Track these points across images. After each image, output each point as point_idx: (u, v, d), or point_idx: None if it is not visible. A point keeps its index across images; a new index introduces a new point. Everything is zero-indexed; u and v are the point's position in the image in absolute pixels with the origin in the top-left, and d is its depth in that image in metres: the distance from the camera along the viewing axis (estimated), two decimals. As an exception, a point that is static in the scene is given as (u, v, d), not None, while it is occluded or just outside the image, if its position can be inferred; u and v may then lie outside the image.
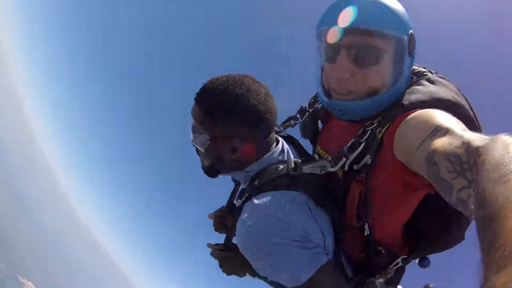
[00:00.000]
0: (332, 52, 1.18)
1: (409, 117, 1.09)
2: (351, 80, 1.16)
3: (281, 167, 1.21)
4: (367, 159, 1.15)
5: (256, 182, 1.20)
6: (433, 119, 0.98)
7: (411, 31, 1.19)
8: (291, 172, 1.19)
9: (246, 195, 1.20)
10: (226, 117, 1.19)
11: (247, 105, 1.16)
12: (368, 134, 1.17)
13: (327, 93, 1.27)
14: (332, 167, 1.19)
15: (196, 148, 1.32)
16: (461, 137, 0.81)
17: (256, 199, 1.16)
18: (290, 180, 1.18)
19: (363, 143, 1.16)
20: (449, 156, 0.80)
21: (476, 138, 0.76)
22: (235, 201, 1.30)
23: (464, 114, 1.16)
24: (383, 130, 1.14)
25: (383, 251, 1.30)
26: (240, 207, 1.22)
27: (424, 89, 1.22)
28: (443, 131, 0.90)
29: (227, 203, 1.59)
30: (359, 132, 1.19)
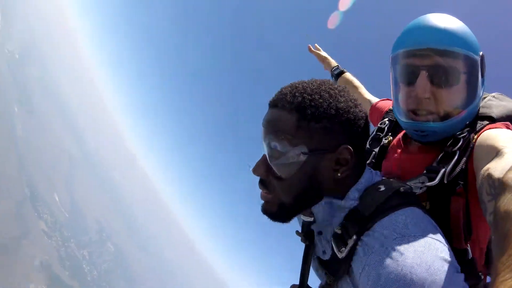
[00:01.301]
0: (411, 74, 1.16)
1: (487, 132, 1.10)
2: (431, 101, 1.14)
3: (382, 187, 0.96)
4: (462, 164, 1.09)
5: (362, 212, 0.91)
6: (500, 141, 0.98)
7: (481, 52, 1.20)
8: (401, 189, 0.95)
9: (355, 232, 0.88)
10: (330, 121, 0.94)
11: (349, 106, 0.96)
12: (460, 143, 1.12)
13: (405, 115, 1.23)
14: (431, 181, 1.08)
15: (271, 175, 0.99)
16: (505, 161, 0.83)
17: (379, 231, 0.85)
18: (402, 199, 0.93)
19: (457, 152, 1.11)
20: (489, 179, 0.82)
21: None
22: (327, 254, 1.01)
23: None
24: (476, 137, 1.12)
25: (482, 277, 1.15)
26: (348, 258, 0.88)
27: (498, 103, 1.24)
28: (501, 153, 0.91)
29: (302, 274, 1.18)
30: (448, 144, 1.16)
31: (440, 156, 1.14)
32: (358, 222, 0.90)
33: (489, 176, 0.83)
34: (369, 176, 1.02)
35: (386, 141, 1.42)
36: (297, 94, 0.96)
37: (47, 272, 75.22)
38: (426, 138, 1.21)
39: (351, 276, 0.89)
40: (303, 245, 1.16)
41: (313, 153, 0.94)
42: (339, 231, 0.92)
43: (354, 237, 0.87)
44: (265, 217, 1.02)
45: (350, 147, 0.95)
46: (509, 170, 0.73)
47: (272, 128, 0.97)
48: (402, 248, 0.79)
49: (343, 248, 0.89)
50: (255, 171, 1.01)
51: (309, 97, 0.94)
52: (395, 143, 1.40)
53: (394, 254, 0.78)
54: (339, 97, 0.96)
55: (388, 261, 0.78)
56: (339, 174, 0.96)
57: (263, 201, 1.04)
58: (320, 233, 1.07)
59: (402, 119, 1.25)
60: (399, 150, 1.35)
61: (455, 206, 1.09)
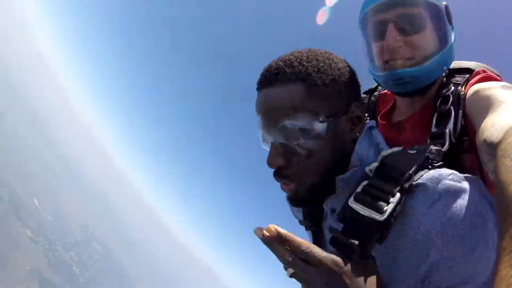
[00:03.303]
0: (380, 29, 1.19)
1: (476, 86, 1.08)
2: (404, 48, 1.16)
3: (411, 150, 0.86)
4: (461, 120, 1.07)
5: (398, 169, 0.80)
6: (494, 94, 0.95)
7: (444, 2, 1.23)
8: (429, 154, 0.84)
9: (397, 190, 0.75)
10: (337, 83, 0.89)
11: (345, 65, 0.94)
12: (451, 99, 1.10)
13: (381, 68, 1.20)
14: (442, 146, 1.00)
15: (291, 161, 0.87)
16: (504, 117, 0.79)
17: (432, 183, 0.75)
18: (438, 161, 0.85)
19: (452, 109, 1.09)
20: (487, 137, 0.77)
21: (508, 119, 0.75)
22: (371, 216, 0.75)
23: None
24: (465, 91, 1.10)
25: None
26: (388, 219, 0.72)
27: (467, 62, 1.27)
28: (497, 108, 0.88)
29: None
30: (438, 104, 1.14)
31: (435, 118, 1.12)
32: (396, 180, 0.77)
33: (487, 134, 0.77)
34: (376, 131, 0.95)
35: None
36: (295, 64, 0.88)
37: (38, 278, 76.64)
38: (406, 87, 1.18)
39: (385, 241, 0.75)
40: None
41: (331, 119, 0.87)
42: (371, 191, 0.78)
43: (398, 194, 0.74)
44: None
45: (359, 103, 0.93)
46: (506, 132, 0.69)
47: (283, 107, 0.85)
48: (461, 196, 0.73)
49: (385, 207, 0.73)
50: (272, 163, 0.87)
51: (309, 63, 0.88)
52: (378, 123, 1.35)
53: (457, 202, 0.72)
54: (334, 58, 0.93)
55: (454, 208, 0.71)
56: (357, 134, 0.91)
57: (287, 193, 0.93)
58: (333, 210, 0.94)
59: (379, 73, 1.21)
60: (387, 130, 1.30)
61: (469, 163, 1.06)
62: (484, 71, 1.17)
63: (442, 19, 1.22)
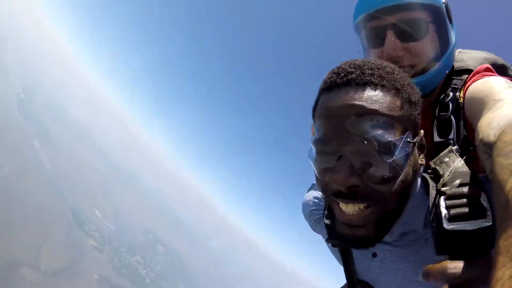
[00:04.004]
0: (377, 36, 1.12)
1: (471, 88, 1.03)
2: (405, 56, 1.10)
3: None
4: (463, 129, 1.03)
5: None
6: (490, 92, 0.92)
7: (444, 0, 1.17)
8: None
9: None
10: (419, 104, 0.81)
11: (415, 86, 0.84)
12: (451, 106, 1.05)
13: None
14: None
15: (369, 181, 0.73)
16: (500, 115, 0.76)
17: None
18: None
19: (452, 117, 1.05)
20: (484, 136, 0.75)
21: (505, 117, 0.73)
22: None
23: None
24: (463, 95, 1.06)
25: None
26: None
27: (469, 56, 1.22)
28: (493, 106, 0.86)
29: (350, 277, 1.01)
30: (438, 111, 1.08)
31: (435, 126, 1.06)
32: (465, 182, 0.72)
33: (483, 134, 0.75)
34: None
35: None
36: (388, 69, 0.76)
37: (107, 284, 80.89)
38: None
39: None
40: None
41: (414, 141, 0.76)
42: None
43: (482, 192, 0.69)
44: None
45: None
46: (502, 131, 0.67)
47: (377, 113, 0.71)
48: None
49: (488, 213, 0.66)
50: (345, 180, 0.71)
51: (399, 76, 0.77)
52: None
53: None
54: (407, 77, 0.81)
55: None
56: (422, 162, 0.82)
57: (353, 225, 0.75)
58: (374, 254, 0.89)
59: None
60: None
61: (475, 169, 0.95)
62: (486, 69, 1.08)
63: (443, 21, 1.14)
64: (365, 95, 0.71)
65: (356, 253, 0.97)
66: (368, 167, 0.71)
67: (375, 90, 0.72)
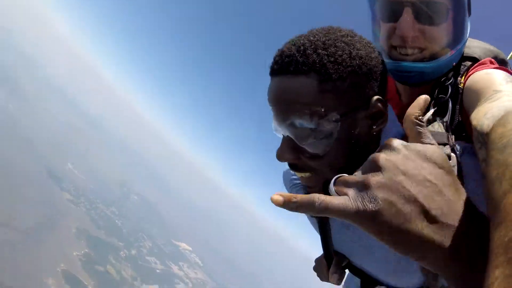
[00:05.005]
0: (394, 10, 1.05)
1: (473, 76, 1.01)
2: (418, 38, 1.04)
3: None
4: (458, 114, 1.01)
5: None
6: (491, 83, 0.90)
7: None
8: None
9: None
10: (356, 75, 0.79)
11: (369, 52, 0.82)
12: (450, 90, 1.03)
13: (388, 54, 1.09)
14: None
15: (303, 156, 0.82)
16: (497, 106, 0.75)
17: None
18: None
19: (450, 101, 1.01)
20: (478, 126, 0.74)
21: (502, 108, 0.71)
22: None
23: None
24: (464, 81, 1.04)
25: None
26: None
27: (478, 44, 1.18)
28: (491, 97, 0.84)
29: (326, 247, 1.07)
30: (436, 93, 1.05)
31: (432, 108, 1.03)
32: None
33: (478, 123, 0.75)
34: (393, 117, 0.88)
35: None
36: (308, 51, 0.77)
37: (86, 236, 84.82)
38: (412, 79, 1.09)
39: None
40: None
41: (346, 117, 0.78)
42: None
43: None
44: None
45: (381, 97, 0.83)
46: (497, 122, 0.66)
47: (291, 102, 0.77)
48: None
49: None
50: (281, 157, 0.83)
51: (325, 51, 0.77)
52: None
53: None
54: (356, 43, 0.80)
55: None
56: (374, 127, 0.83)
57: (310, 186, 0.87)
58: None
59: (384, 59, 1.01)
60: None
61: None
62: (491, 62, 1.06)
63: (463, 11, 1.09)
64: (281, 85, 0.79)
65: (334, 223, 1.00)
66: (298, 147, 0.81)
67: (290, 77, 0.77)
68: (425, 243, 0.45)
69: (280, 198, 0.50)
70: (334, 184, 0.53)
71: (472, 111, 0.87)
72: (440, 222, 0.46)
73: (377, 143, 0.85)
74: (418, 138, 0.55)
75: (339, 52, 0.77)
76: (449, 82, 1.06)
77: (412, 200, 0.46)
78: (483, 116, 0.74)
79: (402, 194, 0.46)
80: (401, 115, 1.03)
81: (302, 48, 0.78)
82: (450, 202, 0.48)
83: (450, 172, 0.51)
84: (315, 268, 1.17)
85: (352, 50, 0.78)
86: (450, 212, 0.47)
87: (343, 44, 0.78)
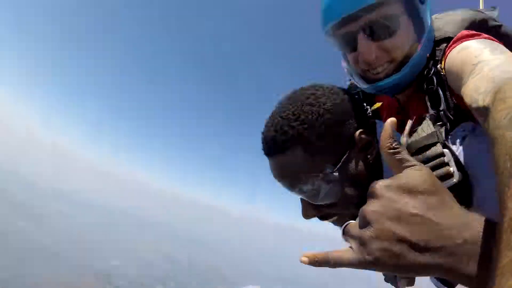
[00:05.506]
0: (349, 42, 1.09)
1: (449, 57, 1.02)
2: (381, 55, 1.06)
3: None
4: (450, 99, 1.02)
5: None
6: (467, 58, 0.92)
7: None
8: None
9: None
10: (331, 127, 0.91)
11: (334, 99, 0.94)
12: (435, 80, 1.05)
13: (363, 79, 1.13)
14: (445, 125, 0.96)
15: (324, 208, 0.96)
16: (484, 79, 0.77)
17: None
18: None
19: (439, 89, 1.04)
20: (473, 102, 0.77)
21: (496, 76, 0.73)
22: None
23: (490, 26, 1.13)
24: (443, 67, 1.05)
25: None
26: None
27: (445, 21, 1.17)
28: (474, 72, 0.85)
29: None
30: (425, 86, 1.08)
31: (427, 99, 1.07)
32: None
33: (472, 99, 0.78)
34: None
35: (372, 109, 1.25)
36: (285, 128, 0.89)
37: None
38: (394, 91, 1.13)
39: None
40: None
41: (340, 164, 0.90)
42: None
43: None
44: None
45: (362, 129, 0.93)
46: (495, 98, 0.66)
47: (290, 176, 0.92)
48: None
49: (452, 170, 0.81)
50: (307, 216, 0.99)
51: (297, 122, 0.89)
52: (385, 105, 1.30)
53: None
54: (320, 97, 0.92)
55: None
56: (369, 157, 0.94)
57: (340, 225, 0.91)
58: None
59: (362, 85, 1.14)
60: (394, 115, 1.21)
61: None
62: (465, 35, 1.04)
63: (414, 6, 1.10)
64: (276, 165, 0.93)
65: None
66: (315, 201, 0.94)
67: (280, 156, 0.91)
68: (427, 268, 0.51)
69: (306, 259, 0.60)
70: (343, 233, 0.62)
71: (461, 91, 0.90)
72: (431, 247, 0.50)
73: (379, 163, 0.93)
74: (400, 165, 0.59)
75: (309, 117, 0.88)
76: (432, 72, 1.08)
77: (401, 239, 0.52)
78: (475, 92, 0.77)
79: (391, 238, 0.52)
80: (402, 115, 1.17)
81: (278, 127, 0.89)
82: (437, 226, 0.51)
83: (433, 192, 0.54)
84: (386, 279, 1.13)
85: (319, 109, 0.88)
86: (439, 235, 0.51)
87: (308, 107, 0.88)
